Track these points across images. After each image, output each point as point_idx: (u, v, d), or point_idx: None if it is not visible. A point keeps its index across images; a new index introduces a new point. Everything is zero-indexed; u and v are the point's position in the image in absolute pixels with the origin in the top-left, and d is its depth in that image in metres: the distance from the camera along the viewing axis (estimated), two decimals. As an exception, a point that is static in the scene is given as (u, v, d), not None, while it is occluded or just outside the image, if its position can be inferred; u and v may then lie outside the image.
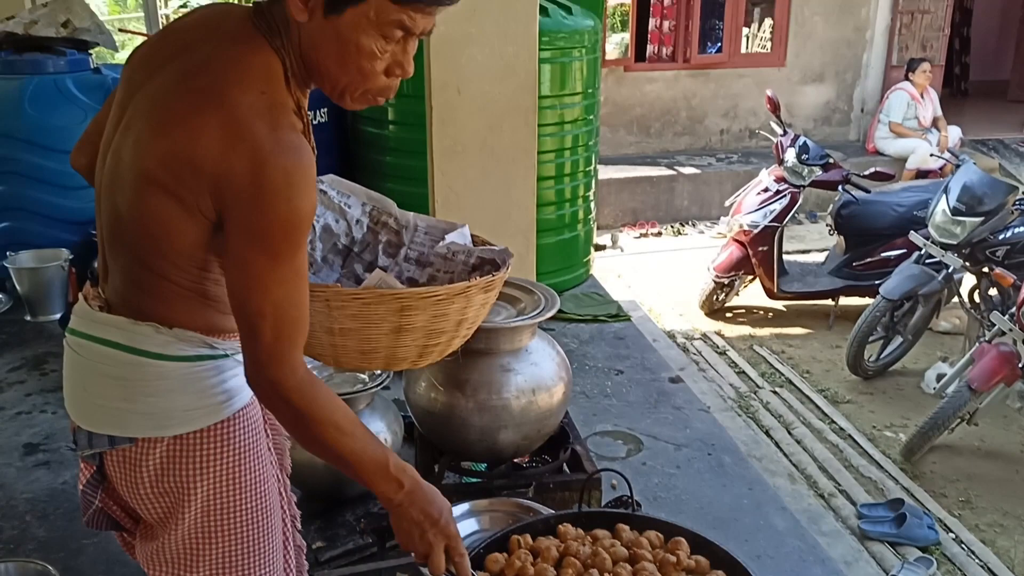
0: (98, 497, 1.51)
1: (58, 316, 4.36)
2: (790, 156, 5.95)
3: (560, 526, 1.83)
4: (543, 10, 4.52)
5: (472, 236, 2.49)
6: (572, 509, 1.93)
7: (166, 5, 8.45)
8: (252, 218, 1.26)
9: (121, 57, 7.74)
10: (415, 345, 2.05)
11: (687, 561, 1.74)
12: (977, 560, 3.54)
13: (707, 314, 6.22)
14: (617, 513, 1.92)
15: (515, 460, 2.66)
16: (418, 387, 2.64)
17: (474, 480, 2.64)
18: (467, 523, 2.20)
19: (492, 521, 2.20)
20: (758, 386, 5.17)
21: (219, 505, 1.46)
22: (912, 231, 5.33)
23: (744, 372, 5.36)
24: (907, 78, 8.76)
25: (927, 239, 5.17)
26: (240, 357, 1.43)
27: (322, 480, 3.01)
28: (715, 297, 6.19)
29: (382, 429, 3.04)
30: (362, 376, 3.17)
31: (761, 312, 6.32)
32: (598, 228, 6.62)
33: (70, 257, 4.42)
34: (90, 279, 1.54)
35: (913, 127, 8.67)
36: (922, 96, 8.69)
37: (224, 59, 1.32)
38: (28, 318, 4.40)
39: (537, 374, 2.59)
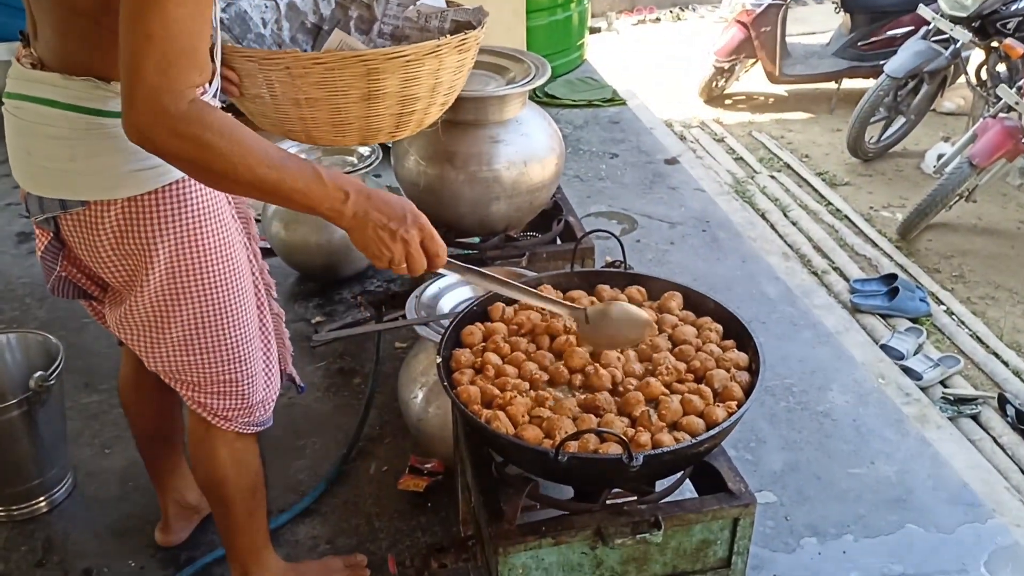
0: (59, 264, 1.49)
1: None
2: (797, -73, 5.61)
3: (541, 286, 1.82)
4: None
5: (447, 1, 2.35)
6: (563, 270, 1.92)
7: None
8: None
9: None
10: (389, 115, 1.96)
11: (679, 313, 1.75)
12: (967, 330, 3.61)
13: (706, 101, 6.07)
14: (609, 272, 1.90)
15: (508, 233, 2.64)
16: (407, 162, 2.58)
17: (467, 252, 2.64)
18: (461, 291, 2.21)
19: (486, 288, 2.20)
20: (755, 171, 5.11)
21: (184, 267, 1.45)
22: (921, 4, 5.10)
23: (742, 158, 5.28)
24: None
25: (936, 13, 4.96)
26: None
27: (316, 260, 3.04)
28: (715, 83, 6.02)
29: (374, 210, 3.02)
30: (350, 158, 3.11)
31: (761, 98, 6.16)
32: (593, 16, 6.34)
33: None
34: (21, 40, 1.43)
35: None
36: None
37: None
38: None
39: (528, 145, 2.52)
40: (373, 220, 1.29)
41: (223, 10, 1.93)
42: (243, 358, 1.60)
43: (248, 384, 1.63)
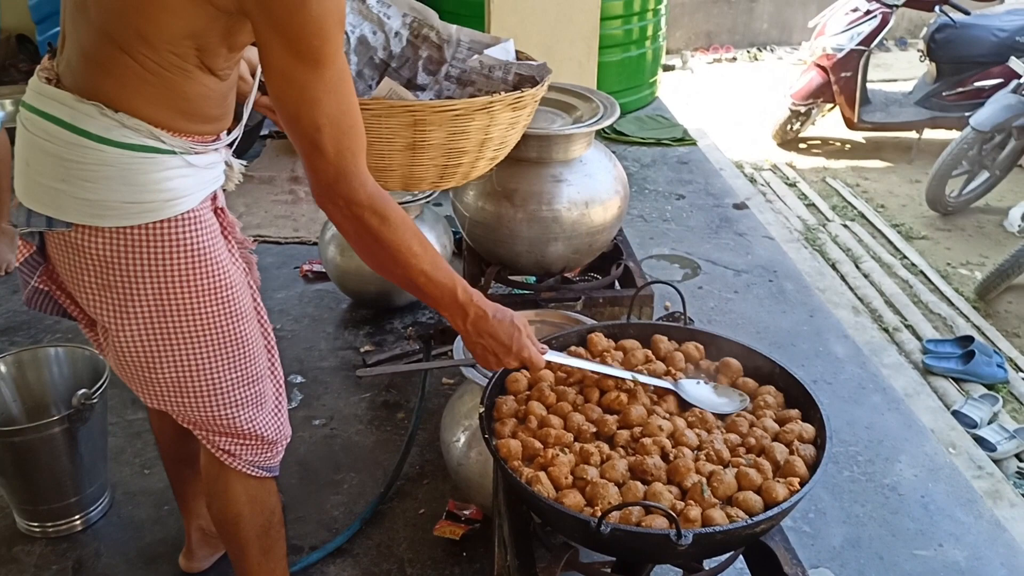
0: (35, 278, 1.47)
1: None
2: (884, -29, 5.45)
3: (591, 335, 1.74)
4: None
5: (517, 52, 2.29)
6: (619, 321, 1.83)
7: None
8: (284, 22, 1.19)
9: None
10: (433, 165, 1.91)
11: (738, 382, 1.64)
12: (1046, 400, 3.40)
13: (779, 144, 5.92)
14: (666, 326, 1.81)
15: (565, 274, 2.55)
16: (465, 196, 2.52)
17: (522, 292, 2.56)
18: (511, 333, 2.13)
19: (538, 332, 2.11)
20: (827, 219, 4.94)
21: (173, 308, 1.41)
22: (1013, 58, 4.90)
23: (814, 205, 5.12)
24: None
25: (1029, 66, 4.76)
26: (192, 159, 1.36)
27: (370, 287, 2.99)
28: (789, 126, 5.87)
29: (431, 242, 2.97)
30: (411, 187, 3.07)
31: (837, 144, 5.99)
32: (668, 53, 6.26)
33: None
34: (49, 53, 1.43)
35: None
36: None
37: None
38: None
39: (591, 186, 2.45)
40: (482, 344, 1.48)
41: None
42: (242, 402, 1.54)
43: (250, 426, 1.58)
